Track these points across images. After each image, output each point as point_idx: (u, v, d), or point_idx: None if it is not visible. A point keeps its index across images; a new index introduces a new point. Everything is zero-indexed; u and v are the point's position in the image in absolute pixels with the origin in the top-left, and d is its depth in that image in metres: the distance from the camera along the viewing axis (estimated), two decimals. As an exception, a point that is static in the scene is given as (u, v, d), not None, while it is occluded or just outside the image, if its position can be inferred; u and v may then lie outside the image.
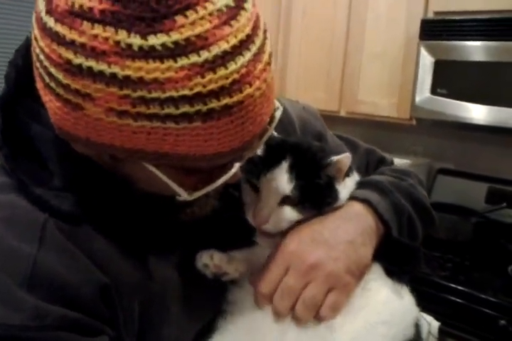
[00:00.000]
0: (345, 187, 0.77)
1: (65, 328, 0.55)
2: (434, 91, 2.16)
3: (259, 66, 0.52)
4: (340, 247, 0.70)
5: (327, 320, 0.68)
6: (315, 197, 0.71)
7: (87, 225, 0.63)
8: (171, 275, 0.69)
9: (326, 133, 0.92)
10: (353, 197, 0.77)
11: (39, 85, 0.54)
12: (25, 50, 0.63)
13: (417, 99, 2.20)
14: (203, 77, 0.48)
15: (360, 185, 0.81)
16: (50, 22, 0.49)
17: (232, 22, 0.50)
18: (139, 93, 0.48)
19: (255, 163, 0.71)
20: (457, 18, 2.05)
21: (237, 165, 0.60)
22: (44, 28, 0.50)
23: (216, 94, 0.49)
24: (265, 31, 0.55)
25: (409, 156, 2.63)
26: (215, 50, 0.48)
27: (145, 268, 0.66)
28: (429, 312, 1.91)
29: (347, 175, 0.77)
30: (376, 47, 2.41)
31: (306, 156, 0.72)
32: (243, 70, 0.50)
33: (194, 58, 0.48)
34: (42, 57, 0.51)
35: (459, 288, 1.88)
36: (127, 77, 0.47)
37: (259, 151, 0.73)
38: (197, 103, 0.48)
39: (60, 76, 0.50)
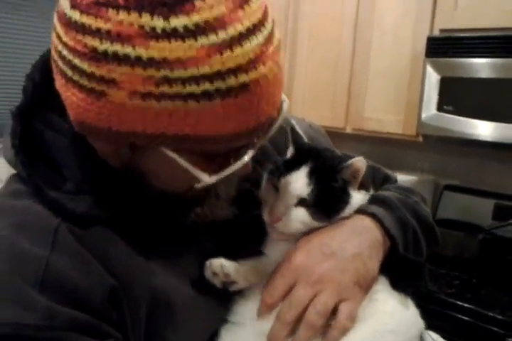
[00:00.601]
0: (359, 197, 0.78)
1: (75, 330, 0.56)
2: (440, 108, 2.17)
3: (271, 48, 0.56)
4: (349, 259, 0.71)
5: (346, 331, 0.68)
6: (329, 200, 0.74)
7: (99, 228, 0.64)
8: (181, 281, 0.70)
9: (334, 150, 0.93)
10: (360, 211, 0.78)
11: (59, 83, 0.57)
12: (41, 65, 0.67)
13: (423, 115, 2.21)
14: (221, 54, 0.52)
15: (368, 200, 0.82)
16: (75, 15, 0.53)
17: (245, 7, 0.54)
18: (162, 73, 0.51)
19: (278, 165, 0.75)
20: (463, 35, 2.07)
21: (249, 154, 0.62)
22: (68, 23, 0.53)
23: (234, 71, 0.52)
24: (273, 20, 0.59)
25: (416, 173, 2.63)
26: (231, 30, 0.52)
27: (155, 272, 0.67)
28: (435, 330, 1.88)
29: (365, 189, 0.79)
30: (382, 65, 2.43)
31: (326, 161, 0.75)
32: (257, 50, 0.54)
33: (213, 38, 0.51)
34: (65, 52, 0.54)
35: (466, 305, 1.87)
36: (151, 58, 0.51)
37: (288, 153, 0.79)
38: (216, 80, 0.52)
39: (84, 66, 0.53)
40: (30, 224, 0.62)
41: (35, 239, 0.60)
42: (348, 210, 0.76)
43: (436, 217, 2.54)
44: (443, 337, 1.81)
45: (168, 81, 0.51)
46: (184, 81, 0.51)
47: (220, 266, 0.71)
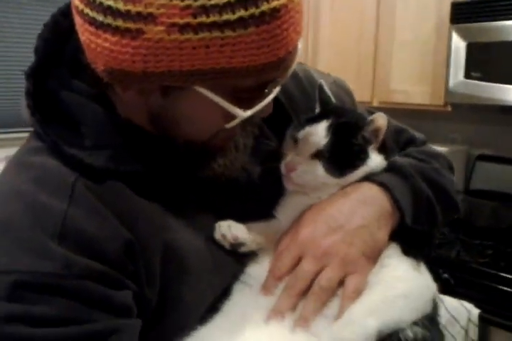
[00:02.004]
0: (376, 160, 0.77)
1: (91, 279, 0.58)
2: (467, 75, 2.11)
3: None
4: (356, 232, 0.71)
5: (350, 305, 0.68)
6: (344, 155, 0.74)
7: (116, 183, 0.66)
8: (197, 237, 0.71)
9: (356, 108, 0.92)
10: (371, 179, 0.76)
11: (86, 34, 0.58)
12: (52, 25, 0.69)
13: (451, 84, 2.16)
14: None
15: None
16: None
17: None
18: (200, 1, 0.52)
19: (302, 121, 0.78)
20: (487, -2, 2.00)
21: (275, 91, 0.64)
22: None
23: None
24: None
25: (447, 144, 2.57)
26: None
27: (170, 227, 0.68)
28: (468, 300, 1.87)
29: (388, 152, 0.79)
30: (407, 34, 2.37)
31: (347, 118, 0.76)
32: None
33: None
34: None
35: (500, 274, 1.83)
36: None
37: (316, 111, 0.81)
38: (250, 6, 0.53)
39: (119, 5, 0.54)
40: (49, 178, 0.64)
41: (54, 193, 0.62)
42: (362, 171, 0.76)
43: (470, 188, 2.49)
44: (476, 306, 1.79)
45: (206, 10, 0.53)
46: (221, 9, 0.53)
47: (228, 227, 0.72)
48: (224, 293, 0.71)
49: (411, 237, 0.75)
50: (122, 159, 0.67)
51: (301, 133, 0.76)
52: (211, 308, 0.69)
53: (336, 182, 0.75)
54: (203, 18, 0.53)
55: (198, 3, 0.52)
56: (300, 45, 0.63)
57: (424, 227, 0.76)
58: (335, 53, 2.71)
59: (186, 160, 0.71)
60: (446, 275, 2.03)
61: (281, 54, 0.58)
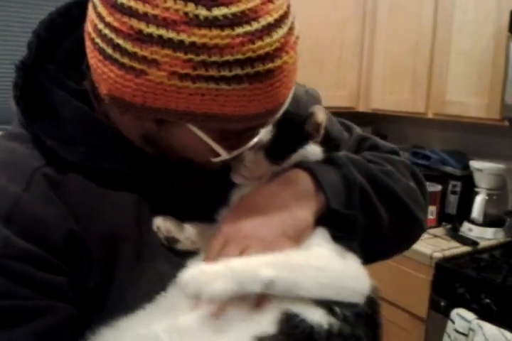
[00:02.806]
0: (314, 149, 0.79)
1: (28, 261, 0.62)
2: (527, 88, 1.98)
3: (292, 38, 0.62)
4: (275, 213, 0.73)
5: None
6: (284, 145, 0.78)
7: (81, 178, 0.70)
8: (152, 240, 0.74)
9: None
10: (298, 165, 0.78)
11: (95, 59, 0.62)
12: (49, 22, 0.73)
13: (509, 97, 2.03)
14: (253, 43, 0.58)
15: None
16: None
17: (274, 0, 0.60)
18: (201, 57, 0.57)
19: None
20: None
21: (261, 133, 0.71)
22: (114, 5, 0.58)
23: (262, 58, 0.59)
24: (292, 12, 0.64)
25: (503, 161, 2.43)
26: (263, 21, 0.58)
27: (122, 225, 0.71)
28: (510, 329, 1.75)
29: (333, 147, 0.82)
30: (464, 43, 2.27)
31: (292, 115, 0.77)
32: (282, 40, 0.60)
33: (247, 27, 0.57)
34: (106, 31, 0.59)
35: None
36: (193, 43, 0.56)
37: None
38: (246, 66, 0.58)
39: (128, 46, 0.58)
40: (13, 163, 0.68)
41: (14, 177, 0.66)
42: (295, 158, 0.78)
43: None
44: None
45: (205, 65, 0.57)
46: (219, 66, 0.57)
47: (163, 220, 0.74)
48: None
49: (336, 222, 0.74)
50: (96, 158, 0.70)
51: None
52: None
53: (275, 170, 0.78)
54: (202, 71, 0.57)
55: (199, 58, 0.57)
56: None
57: (356, 215, 0.75)
58: (390, 62, 2.64)
59: (166, 170, 0.74)
60: (488, 301, 1.91)
61: (271, 106, 0.63)
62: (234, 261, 0.67)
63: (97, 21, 0.61)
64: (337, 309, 0.68)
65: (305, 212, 0.74)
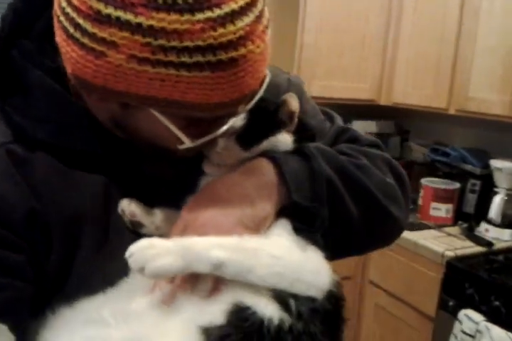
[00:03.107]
0: (284, 137, 0.77)
1: None
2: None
3: (260, 27, 0.60)
4: (234, 202, 0.71)
5: None
6: (255, 132, 0.76)
7: (48, 156, 0.69)
8: (115, 223, 0.73)
9: (305, 106, 0.88)
10: (264, 155, 0.76)
11: (60, 38, 0.61)
12: None
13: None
14: (215, 30, 0.56)
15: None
16: None
17: None
18: (159, 42, 0.55)
19: None
20: None
21: (230, 123, 0.68)
22: None
23: (225, 46, 0.57)
24: (264, 1, 0.63)
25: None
26: (226, 8, 0.56)
27: (85, 206, 0.70)
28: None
29: (308, 137, 0.80)
30: (490, 39, 2.20)
31: (267, 103, 0.76)
32: (247, 28, 0.58)
33: (209, 13, 0.56)
34: (69, 10, 0.58)
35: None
36: (151, 27, 0.55)
37: None
38: (208, 54, 0.56)
39: (87, 26, 0.57)
40: None
41: None
42: (264, 146, 0.76)
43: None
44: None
45: (164, 50, 0.56)
46: (178, 51, 0.56)
47: (128, 204, 0.73)
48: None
49: (298, 214, 0.73)
50: (65, 136, 0.70)
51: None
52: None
53: (245, 157, 0.76)
54: (161, 56, 0.56)
55: (157, 43, 0.55)
56: (267, 79, 0.67)
57: (319, 208, 0.73)
58: (414, 56, 2.59)
59: (136, 154, 0.73)
60: (497, 303, 1.87)
61: (235, 96, 0.61)
62: (187, 239, 0.66)
63: None
64: (292, 303, 0.66)
65: (265, 202, 0.72)
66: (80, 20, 0.57)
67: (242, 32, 0.58)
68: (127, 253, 0.62)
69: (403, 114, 3.02)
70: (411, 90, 2.62)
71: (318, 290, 0.69)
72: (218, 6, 0.56)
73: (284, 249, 0.69)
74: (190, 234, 0.68)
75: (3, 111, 0.70)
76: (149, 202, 0.76)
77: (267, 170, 0.74)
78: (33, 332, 0.67)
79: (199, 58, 0.56)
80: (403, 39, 2.63)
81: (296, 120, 0.77)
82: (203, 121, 0.66)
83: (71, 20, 0.58)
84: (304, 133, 0.80)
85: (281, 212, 0.73)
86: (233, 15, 0.57)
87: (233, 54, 0.57)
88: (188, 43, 0.55)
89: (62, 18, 0.60)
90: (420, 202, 2.55)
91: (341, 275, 0.74)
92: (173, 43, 0.55)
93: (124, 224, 0.73)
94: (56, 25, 0.62)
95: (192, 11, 0.55)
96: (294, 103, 0.76)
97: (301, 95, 0.87)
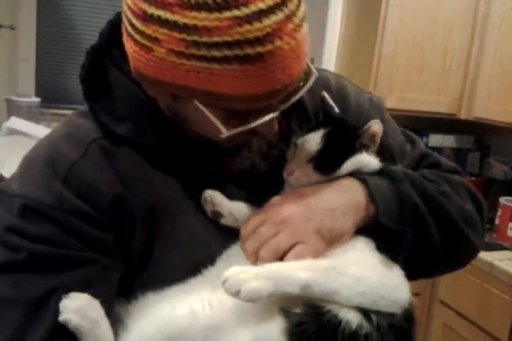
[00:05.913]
0: (369, 158, 0.81)
1: (78, 216, 0.72)
2: None
3: (290, 26, 0.64)
4: (319, 211, 0.76)
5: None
6: (335, 158, 0.80)
7: (131, 151, 0.78)
8: (192, 210, 0.80)
9: (386, 127, 0.88)
10: (353, 175, 0.80)
11: (124, 37, 0.71)
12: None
13: None
14: (241, 27, 0.61)
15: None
16: None
17: None
18: (192, 37, 0.62)
19: (304, 129, 0.84)
20: None
21: (269, 116, 0.72)
22: None
23: (251, 42, 0.62)
24: (300, 1, 0.67)
25: None
26: (253, 7, 0.62)
27: (167, 196, 0.78)
28: None
29: (390, 161, 0.82)
30: None
31: (347, 128, 0.81)
32: (275, 26, 0.63)
33: (236, 12, 0.61)
34: (128, 12, 0.68)
35: None
36: (185, 24, 0.62)
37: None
38: (235, 48, 0.62)
39: (138, 24, 0.66)
40: (77, 135, 0.78)
41: (75, 146, 0.76)
42: (350, 165, 0.79)
43: None
44: None
45: (196, 44, 0.62)
46: (209, 46, 0.62)
47: (210, 194, 0.80)
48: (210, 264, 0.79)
49: (382, 235, 0.76)
50: (142, 133, 0.78)
51: (299, 141, 0.82)
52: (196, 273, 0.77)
53: (326, 180, 0.80)
54: (194, 51, 0.63)
55: (190, 38, 0.62)
56: (312, 79, 0.73)
57: (406, 231, 0.75)
58: (498, 70, 2.50)
59: (198, 153, 0.80)
60: None
61: (267, 90, 0.66)
62: (272, 264, 0.70)
63: (125, 3, 0.69)
64: (373, 316, 0.69)
65: (348, 220, 0.76)
66: (134, 20, 0.66)
67: (269, 29, 0.62)
68: (222, 278, 0.67)
69: (483, 129, 2.91)
70: (493, 105, 2.53)
71: (397, 305, 0.72)
72: (245, 5, 0.61)
73: (366, 266, 0.73)
74: (266, 228, 0.74)
75: (92, 110, 0.79)
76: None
77: (356, 190, 0.78)
78: (113, 317, 0.73)
79: (227, 52, 0.62)
80: (487, 52, 2.55)
81: (378, 141, 0.80)
82: (243, 114, 0.71)
83: (129, 20, 0.68)
84: (383, 153, 0.83)
85: (362, 231, 0.77)
86: (260, 14, 0.62)
87: (260, 49, 0.62)
88: (217, 39, 0.61)
89: (124, 19, 0.70)
90: (497, 221, 2.45)
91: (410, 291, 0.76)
92: (204, 39, 0.62)
93: (196, 213, 0.80)
94: (123, 27, 0.71)
95: (219, 9, 0.61)
96: (376, 127, 0.79)
97: (382, 115, 0.91)
